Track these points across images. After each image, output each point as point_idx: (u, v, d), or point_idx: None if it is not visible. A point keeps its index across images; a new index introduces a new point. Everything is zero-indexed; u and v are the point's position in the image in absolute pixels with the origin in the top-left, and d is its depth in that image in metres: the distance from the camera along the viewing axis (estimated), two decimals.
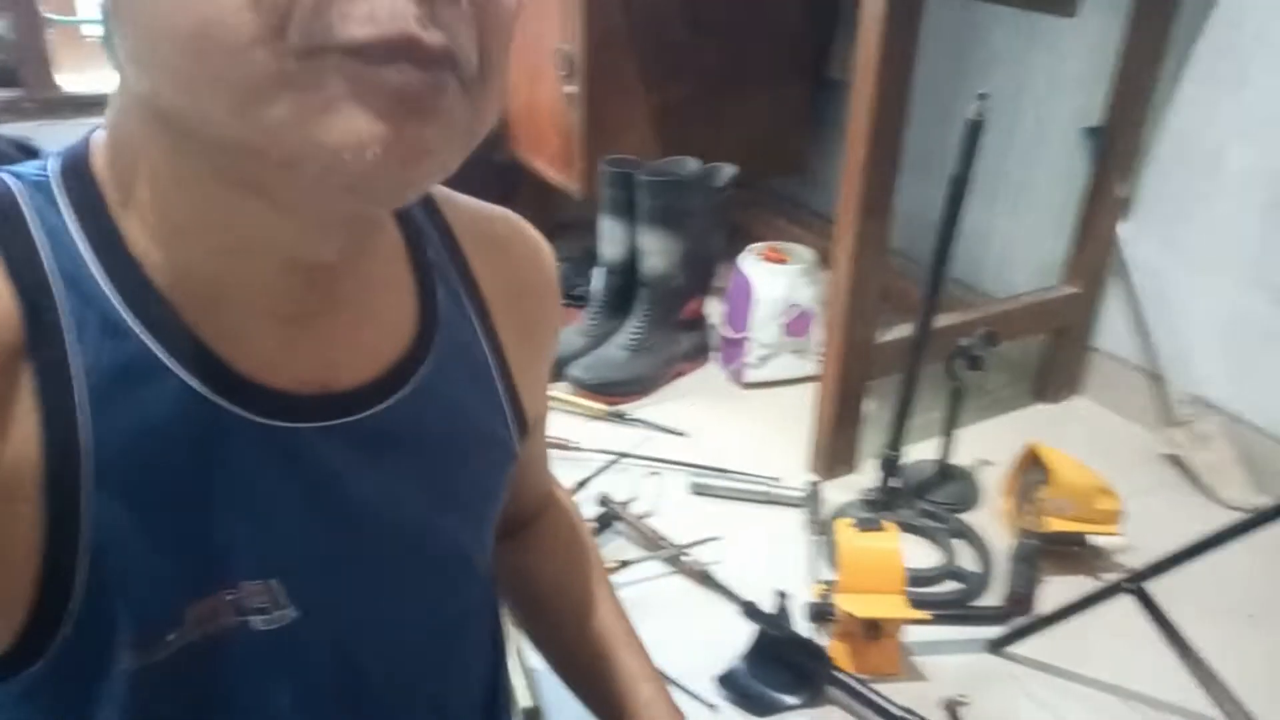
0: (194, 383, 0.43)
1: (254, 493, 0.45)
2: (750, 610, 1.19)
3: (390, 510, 0.50)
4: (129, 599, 0.42)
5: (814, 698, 1.17)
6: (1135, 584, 1.11)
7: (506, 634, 0.76)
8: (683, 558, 1.37)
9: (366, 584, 0.51)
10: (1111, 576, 1.39)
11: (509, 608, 0.75)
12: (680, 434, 1.73)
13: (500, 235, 0.59)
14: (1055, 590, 1.35)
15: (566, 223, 2.34)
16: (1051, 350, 1.86)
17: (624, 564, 1.33)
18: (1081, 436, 1.77)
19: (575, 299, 2.08)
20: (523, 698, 1.13)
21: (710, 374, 1.97)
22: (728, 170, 1.88)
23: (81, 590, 0.41)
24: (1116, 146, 1.66)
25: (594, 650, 0.71)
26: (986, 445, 1.71)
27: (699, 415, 1.80)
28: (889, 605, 1.19)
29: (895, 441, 1.48)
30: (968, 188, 1.32)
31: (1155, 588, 1.13)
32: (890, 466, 1.49)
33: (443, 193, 0.57)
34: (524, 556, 0.74)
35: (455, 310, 0.54)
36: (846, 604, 1.19)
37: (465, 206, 0.58)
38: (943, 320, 1.56)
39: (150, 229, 0.42)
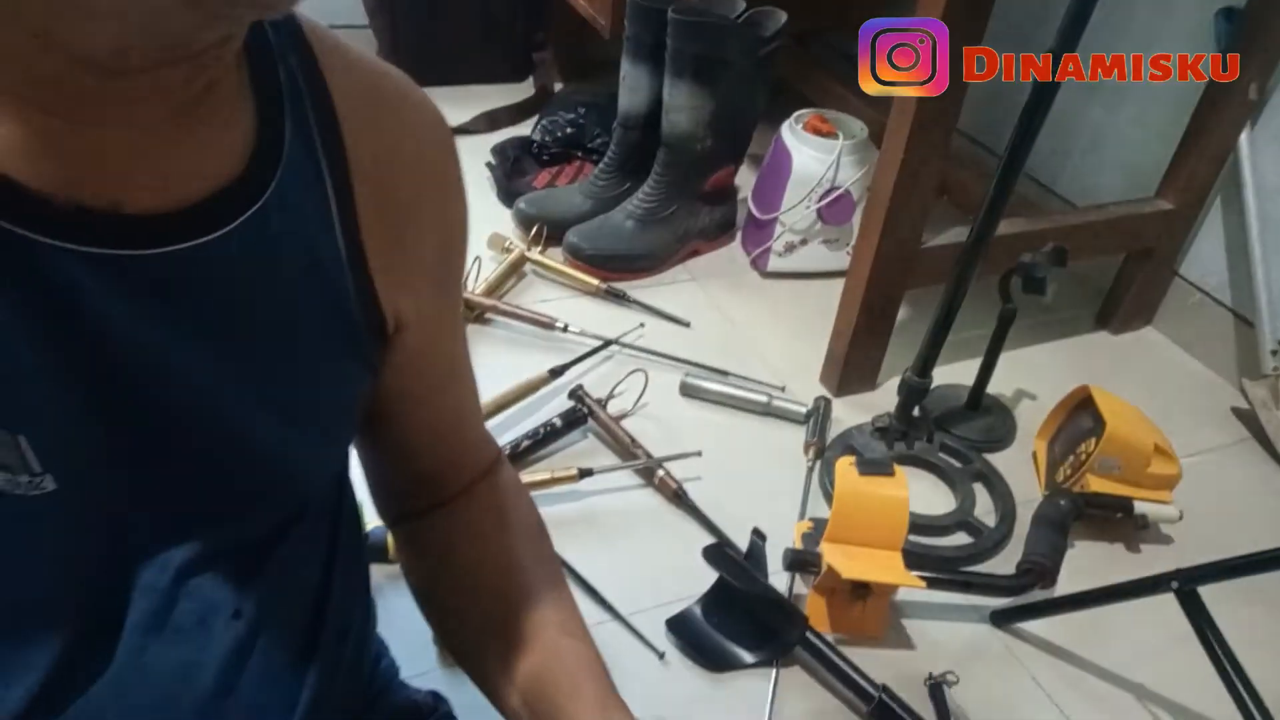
0: None
1: None
2: (712, 554, 1.00)
3: (177, 377, 0.41)
4: None
5: (778, 657, 1.01)
6: (1186, 585, 0.90)
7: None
8: (658, 471, 1.19)
9: (140, 461, 0.42)
10: (1154, 554, 1.21)
11: (420, 601, 0.62)
12: (683, 323, 1.52)
13: (384, 90, 0.49)
14: (1084, 563, 1.16)
15: (597, 60, 2.03)
16: (1129, 271, 1.60)
17: (584, 473, 1.15)
18: (1144, 375, 1.53)
19: (590, 152, 1.84)
20: None
21: (731, 257, 1.73)
22: (778, 17, 1.58)
23: None
24: (1256, 36, 1.34)
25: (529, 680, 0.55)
26: (1032, 374, 1.48)
27: (708, 304, 1.59)
28: (881, 565, 1.01)
29: (925, 362, 1.26)
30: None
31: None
32: (913, 390, 1.27)
33: (317, 29, 0.45)
34: (433, 538, 0.61)
35: (305, 162, 0.43)
36: (832, 557, 1.00)
37: (344, 51, 0.47)
38: (1005, 227, 1.31)
39: None
